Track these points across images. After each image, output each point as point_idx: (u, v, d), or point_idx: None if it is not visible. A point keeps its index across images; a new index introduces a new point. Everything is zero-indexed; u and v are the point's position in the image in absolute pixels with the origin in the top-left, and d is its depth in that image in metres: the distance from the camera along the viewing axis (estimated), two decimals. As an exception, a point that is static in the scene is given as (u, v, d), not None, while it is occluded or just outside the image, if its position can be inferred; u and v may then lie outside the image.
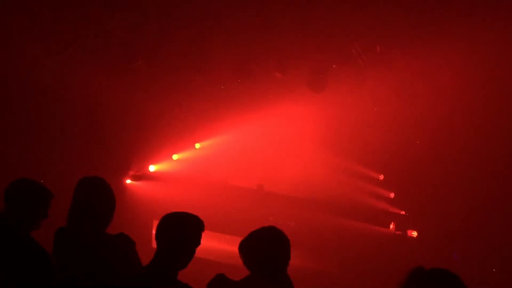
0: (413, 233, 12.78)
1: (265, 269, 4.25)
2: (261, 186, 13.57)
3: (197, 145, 13.74)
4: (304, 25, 10.46)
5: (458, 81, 11.00)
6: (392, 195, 13.06)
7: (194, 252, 4.24)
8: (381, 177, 13.29)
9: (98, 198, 4.82)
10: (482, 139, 11.81)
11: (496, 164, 11.95)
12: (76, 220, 4.79)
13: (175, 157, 13.69)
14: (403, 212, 13.00)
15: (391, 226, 12.97)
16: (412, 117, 12.04)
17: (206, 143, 13.65)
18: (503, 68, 10.51)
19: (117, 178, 13.13)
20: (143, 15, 10.96)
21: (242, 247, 4.39)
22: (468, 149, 12.06)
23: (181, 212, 4.30)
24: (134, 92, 12.51)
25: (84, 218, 4.77)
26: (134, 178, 13.52)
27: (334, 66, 11.60)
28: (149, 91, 12.72)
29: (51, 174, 10.58)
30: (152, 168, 13.60)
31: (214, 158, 13.51)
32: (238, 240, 4.42)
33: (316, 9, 10.00)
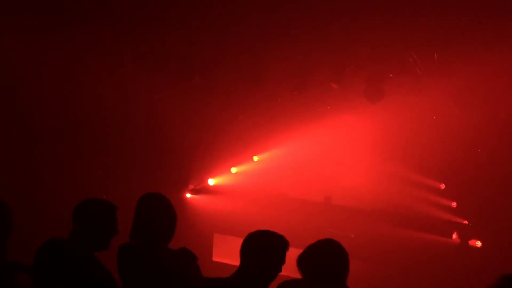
0: (477, 243, 12.53)
1: (325, 281, 4.23)
2: (329, 199, 13.50)
3: (255, 158, 13.78)
4: (360, 35, 10.42)
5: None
6: (454, 204, 12.84)
7: (279, 270, 4.29)
8: (443, 186, 13.08)
9: (160, 214, 4.90)
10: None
11: None
12: (139, 237, 4.87)
13: (233, 170, 13.77)
14: (466, 222, 12.76)
15: (454, 236, 12.74)
16: (472, 125, 11.84)
17: (263, 155, 13.68)
18: None
19: (177, 192, 13.30)
20: (199, 30, 11.11)
21: (301, 261, 4.39)
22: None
23: (267, 231, 4.42)
24: (192, 107, 12.67)
25: (147, 235, 4.85)
26: (194, 192, 13.67)
27: (391, 75, 11.50)
28: (207, 105, 12.87)
29: (112, 191, 10.84)
30: (211, 181, 13.71)
31: (272, 171, 13.53)
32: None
33: (372, 18, 9.96)
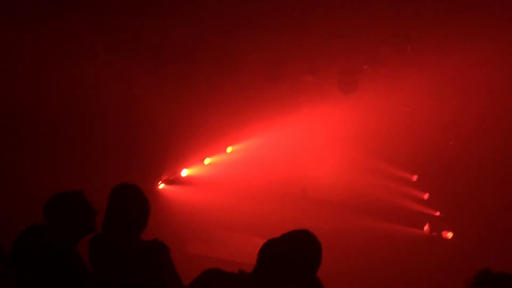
0: (448, 234, 12.63)
1: (295, 274, 4.17)
2: (305, 190, 13.50)
3: (229, 149, 13.74)
4: (334, 26, 10.43)
5: (491, 79, 10.86)
6: (426, 196, 12.93)
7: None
8: (415, 178, 13.16)
9: (133, 205, 4.84)
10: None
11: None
12: (110, 227, 4.82)
13: (207, 161, 13.72)
14: (438, 213, 12.86)
15: (426, 227, 12.84)
16: (445, 117, 11.93)
17: (237, 146, 13.65)
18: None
19: (150, 182, 13.22)
20: (173, 19, 11.02)
21: (270, 248, 4.22)
22: (503, 148, 11.90)
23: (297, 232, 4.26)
24: (165, 97, 12.58)
25: (119, 225, 4.79)
26: (167, 182, 13.60)
27: (364, 67, 11.53)
28: (180, 95, 12.79)
29: (84, 182, 10.74)
30: (184, 172, 13.65)
31: (246, 162, 13.51)
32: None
33: (346, 10, 9.96)
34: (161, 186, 13.57)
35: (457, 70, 11.06)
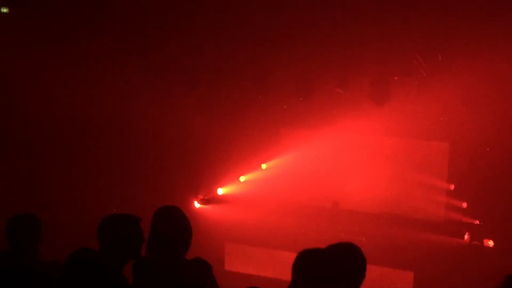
0: (489, 242, 12.45)
1: (337, 284, 4.13)
2: (336, 204, 13.46)
3: (264, 166, 13.76)
4: (362, 38, 10.41)
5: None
6: (464, 204, 12.76)
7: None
8: (452, 187, 13.01)
9: (176, 227, 4.94)
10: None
11: None
12: (155, 250, 4.89)
13: (242, 178, 13.75)
14: (477, 222, 12.69)
15: (466, 236, 12.67)
16: (480, 124, 11.78)
17: (272, 163, 13.66)
18: None
19: (187, 202, 13.31)
20: (202, 39, 11.14)
21: (313, 261, 4.22)
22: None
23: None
24: (197, 116, 12.70)
25: (162, 248, 4.89)
26: (204, 202, 13.68)
27: (396, 77, 11.48)
28: (212, 114, 12.92)
29: (123, 202, 10.90)
30: (220, 191, 13.71)
31: (281, 178, 13.51)
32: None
33: (373, 20, 9.95)
34: (198, 205, 13.64)
35: (490, 76, 10.93)
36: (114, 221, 4.69)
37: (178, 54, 11.56)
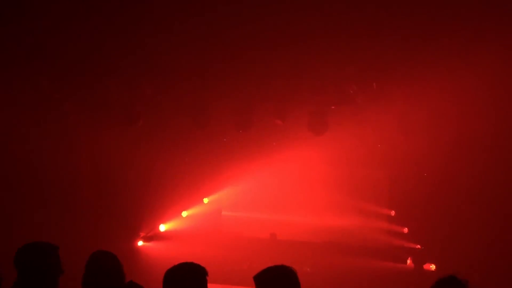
0: (431, 266, 12.62)
1: None
2: (274, 235, 13.47)
3: (205, 200, 13.69)
4: (299, 69, 10.54)
5: (459, 107, 10.99)
6: (405, 230, 12.94)
7: None
8: (393, 213, 13.19)
9: (108, 273, 5.00)
10: (492, 164, 11.77)
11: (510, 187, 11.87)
12: None
13: (184, 214, 13.64)
14: (418, 246, 12.87)
15: (408, 261, 12.82)
16: (417, 150, 12.00)
17: (214, 196, 13.60)
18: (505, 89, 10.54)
19: (129, 240, 13.11)
20: (140, 75, 11.09)
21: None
22: (477, 176, 11.99)
23: (184, 264, 4.43)
24: (138, 153, 12.59)
25: None
26: (146, 239, 13.48)
27: (333, 107, 11.62)
28: (152, 150, 12.81)
29: (63, 240, 10.64)
30: (162, 227, 13.55)
31: (224, 211, 13.48)
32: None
33: (309, 51, 10.08)
34: (140, 243, 13.43)
35: (424, 103, 11.17)
36: (30, 249, 4.70)
37: (116, 89, 11.46)
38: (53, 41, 10.07)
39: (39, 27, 9.71)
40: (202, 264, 4.40)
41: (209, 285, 4.47)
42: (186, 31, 9.71)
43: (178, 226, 13.53)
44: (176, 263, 4.33)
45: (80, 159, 12.51)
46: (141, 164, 12.83)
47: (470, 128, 11.27)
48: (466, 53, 9.75)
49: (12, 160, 11.95)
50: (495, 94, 10.65)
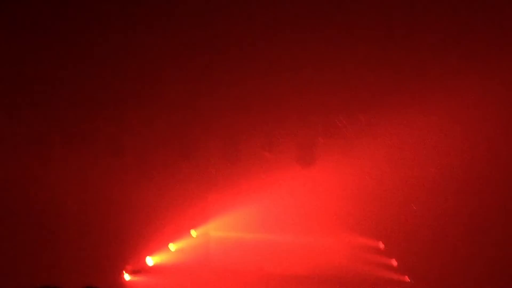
0: (420, 298, 12.57)
1: None
2: (262, 269, 13.39)
3: (193, 233, 13.60)
4: (287, 101, 10.58)
5: (445, 140, 11.07)
6: (394, 262, 12.90)
7: None
8: (382, 245, 13.15)
9: None
10: (479, 194, 11.82)
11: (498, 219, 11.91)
12: None
13: (172, 247, 13.53)
14: (407, 279, 12.81)
15: (397, 293, 12.77)
16: (404, 181, 12.03)
17: (201, 229, 13.53)
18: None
19: (116, 274, 13.00)
20: (127, 109, 11.10)
21: None
22: (463, 207, 12.03)
23: None
24: (123, 185, 12.55)
25: None
26: (133, 272, 13.35)
27: (320, 139, 11.65)
28: (139, 182, 12.76)
29: (49, 276, 10.56)
30: (150, 260, 13.44)
31: (212, 244, 13.40)
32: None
33: (297, 84, 10.14)
34: (128, 278, 13.30)
35: (411, 136, 11.24)
36: None
37: (102, 122, 11.47)
38: (37, 72, 10.09)
39: (22, 56, 9.73)
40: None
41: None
42: (172, 62, 9.76)
43: (166, 259, 13.42)
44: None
45: (66, 192, 12.45)
46: (128, 197, 12.78)
47: (456, 159, 11.33)
48: (453, 82, 9.84)
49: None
50: (487, 125, 10.77)
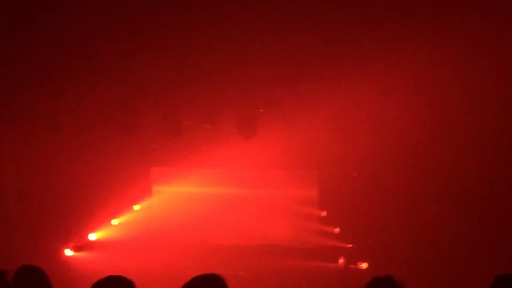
0: (362, 265, 12.78)
1: None
2: (205, 241, 13.42)
3: (136, 207, 13.51)
4: (226, 73, 10.55)
5: (386, 104, 11.24)
6: (337, 230, 13.08)
7: None
8: (324, 213, 13.31)
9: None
10: (419, 158, 12.06)
11: (438, 186, 12.16)
12: None
13: (114, 222, 13.42)
14: (350, 245, 13.02)
15: (340, 260, 12.96)
16: (346, 149, 12.18)
17: (144, 203, 13.45)
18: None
19: (57, 251, 12.85)
20: (64, 83, 10.88)
21: None
22: (405, 174, 12.27)
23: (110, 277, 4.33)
24: (63, 161, 12.37)
25: None
26: (76, 248, 13.21)
27: (261, 110, 11.68)
28: (79, 158, 12.59)
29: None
30: (93, 236, 13.31)
31: (155, 218, 13.36)
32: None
33: (234, 55, 10.11)
34: (70, 253, 13.15)
35: (353, 98, 11.32)
36: None
37: (39, 98, 11.22)
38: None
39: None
40: (133, 274, 4.31)
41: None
42: (111, 33, 9.59)
43: (109, 235, 13.31)
44: (107, 274, 4.23)
45: (2, 169, 12.21)
46: (68, 173, 12.60)
47: (401, 126, 11.52)
48: (389, 53, 9.96)
49: None
50: (423, 93, 10.95)
